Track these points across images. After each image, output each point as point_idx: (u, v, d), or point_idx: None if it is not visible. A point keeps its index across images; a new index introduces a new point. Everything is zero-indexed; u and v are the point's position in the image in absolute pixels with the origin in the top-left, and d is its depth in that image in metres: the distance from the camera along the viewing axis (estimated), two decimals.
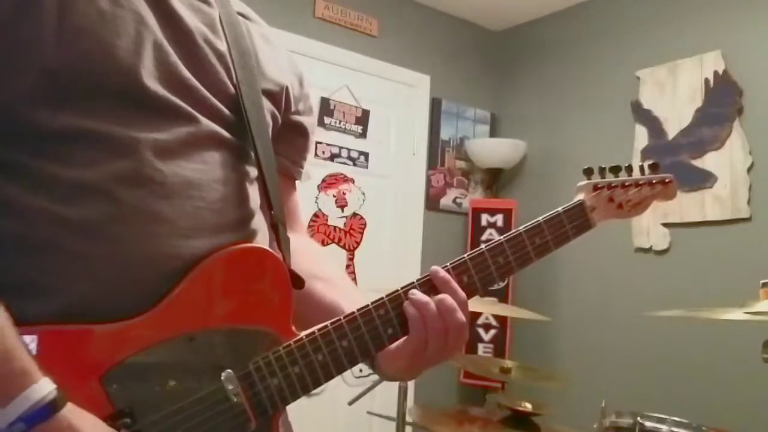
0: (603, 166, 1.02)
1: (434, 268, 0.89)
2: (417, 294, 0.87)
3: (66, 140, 0.76)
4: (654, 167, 1.05)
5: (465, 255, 0.91)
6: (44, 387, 0.67)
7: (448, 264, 0.91)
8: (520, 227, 0.95)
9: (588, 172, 1.02)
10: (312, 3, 3.55)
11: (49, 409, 0.67)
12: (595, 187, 1.01)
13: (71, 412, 0.69)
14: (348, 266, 3.57)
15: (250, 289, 0.84)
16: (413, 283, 0.89)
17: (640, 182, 1.04)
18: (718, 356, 2.91)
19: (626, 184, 1.03)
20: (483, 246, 0.92)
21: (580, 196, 1.01)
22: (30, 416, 0.66)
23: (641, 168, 1.04)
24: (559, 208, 0.98)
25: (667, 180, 1.05)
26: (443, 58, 4.00)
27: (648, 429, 1.82)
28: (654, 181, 1.04)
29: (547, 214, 0.96)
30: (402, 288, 0.88)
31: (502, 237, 0.93)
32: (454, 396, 3.81)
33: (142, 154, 0.78)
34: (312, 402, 3.08)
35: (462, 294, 0.87)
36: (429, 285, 0.89)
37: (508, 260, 0.93)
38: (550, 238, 0.95)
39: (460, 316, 0.86)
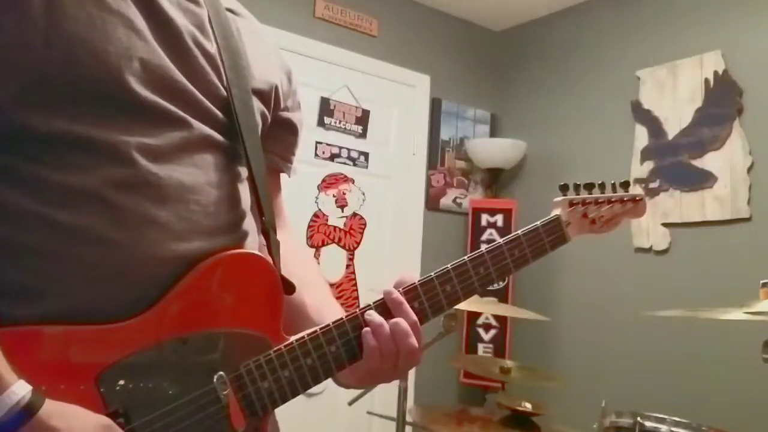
0: (578, 183, 1.06)
1: (386, 290, 0.91)
2: (372, 315, 0.89)
3: (58, 144, 0.76)
4: (625, 185, 1.09)
5: (448, 265, 0.95)
6: (18, 391, 0.67)
7: (432, 274, 0.93)
8: (501, 239, 0.99)
9: (564, 189, 1.06)
10: (312, 3, 3.55)
11: (25, 413, 0.66)
12: (571, 203, 1.05)
13: (51, 411, 0.68)
14: (348, 266, 3.57)
15: (242, 293, 0.85)
16: (392, 295, 0.91)
17: (612, 199, 1.07)
18: (718, 356, 2.91)
19: (599, 200, 1.07)
20: (465, 257, 0.96)
21: (557, 211, 1.04)
22: (6, 423, 0.66)
23: (613, 185, 1.08)
24: (537, 222, 1.02)
25: (637, 198, 1.09)
26: (443, 58, 4.00)
27: (648, 429, 1.82)
28: (625, 199, 1.08)
29: (526, 228, 1.01)
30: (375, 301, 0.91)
31: (483, 249, 0.97)
32: (454, 396, 3.81)
33: (135, 158, 0.78)
34: (312, 402, 3.10)
35: (413, 317, 0.89)
36: (414, 293, 0.92)
37: (489, 271, 0.96)
38: (528, 251, 0.99)
39: (413, 341, 0.87)
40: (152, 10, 0.83)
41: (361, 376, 0.90)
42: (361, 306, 0.91)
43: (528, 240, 0.99)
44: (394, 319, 0.87)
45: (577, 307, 3.55)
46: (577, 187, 1.06)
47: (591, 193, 1.06)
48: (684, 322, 2.93)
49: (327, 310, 0.95)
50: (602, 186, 1.06)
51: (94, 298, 0.76)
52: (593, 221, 1.06)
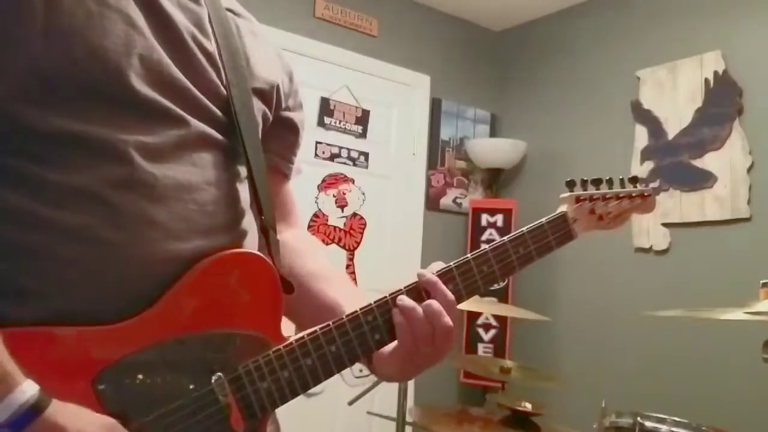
0: (585, 178, 1.04)
1: (420, 271, 0.90)
2: (404, 300, 0.87)
3: (56, 143, 0.76)
4: (634, 180, 1.07)
5: (451, 263, 0.93)
6: (26, 391, 0.67)
7: (434, 272, 0.91)
8: (505, 237, 0.96)
9: (570, 184, 1.03)
10: (312, 3, 3.55)
11: (33, 412, 0.67)
12: (578, 199, 1.03)
13: (56, 410, 0.69)
14: (348, 266, 3.57)
15: (241, 293, 0.85)
16: (401, 289, 0.89)
17: (620, 195, 1.05)
18: (718, 356, 2.91)
19: (607, 196, 1.04)
20: (469, 255, 0.94)
21: (563, 208, 1.02)
22: (14, 422, 0.66)
23: (621, 181, 1.06)
24: (543, 219, 0.99)
25: (646, 193, 1.07)
26: (443, 58, 4.00)
27: (648, 429, 1.82)
28: (633, 195, 1.06)
29: (531, 225, 0.98)
30: (390, 294, 0.89)
31: (487, 246, 0.95)
32: (454, 396, 3.81)
33: (132, 157, 0.78)
34: (312, 402, 3.10)
35: (450, 296, 0.88)
36: (416, 291, 0.89)
37: (493, 269, 0.94)
38: (533, 248, 0.97)
39: (447, 320, 0.86)
40: (151, 8, 0.83)
41: (400, 364, 0.88)
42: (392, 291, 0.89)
43: (533, 237, 0.97)
44: (427, 301, 0.86)
45: (577, 307, 3.55)
46: (584, 182, 1.03)
47: (598, 189, 1.03)
48: (684, 322, 2.93)
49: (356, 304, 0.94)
50: (610, 181, 1.04)
51: (92, 299, 0.76)
52: (601, 217, 1.04)
